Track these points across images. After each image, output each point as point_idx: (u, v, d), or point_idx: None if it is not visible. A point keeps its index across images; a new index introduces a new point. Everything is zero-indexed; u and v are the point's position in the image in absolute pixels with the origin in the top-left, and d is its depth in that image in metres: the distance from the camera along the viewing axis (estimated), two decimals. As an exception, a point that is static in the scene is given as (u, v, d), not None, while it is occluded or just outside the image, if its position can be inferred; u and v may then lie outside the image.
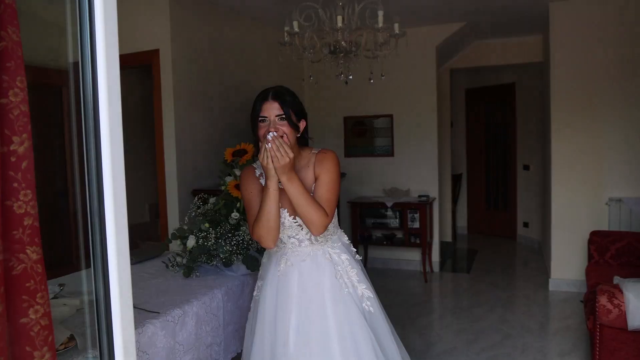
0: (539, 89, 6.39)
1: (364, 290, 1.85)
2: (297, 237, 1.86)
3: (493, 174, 7.43)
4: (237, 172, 2.62)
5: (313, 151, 1.89)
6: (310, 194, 1.79)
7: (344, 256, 1.88)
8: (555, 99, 4.70)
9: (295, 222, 1.84)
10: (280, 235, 1.85)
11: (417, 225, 5.23)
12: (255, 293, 2.00)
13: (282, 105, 1.73)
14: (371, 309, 1.84)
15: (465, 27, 5.28)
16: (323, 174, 1.81)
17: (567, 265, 4.78)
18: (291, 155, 1.66)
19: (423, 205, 5.20)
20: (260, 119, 1.75)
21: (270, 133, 1.67)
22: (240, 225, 2.52)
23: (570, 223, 4.72)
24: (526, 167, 6.85)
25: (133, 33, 3.95)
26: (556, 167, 4.74)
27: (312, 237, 1.86)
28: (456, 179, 7.04)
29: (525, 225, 6.90)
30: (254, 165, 1.94)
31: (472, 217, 7.64)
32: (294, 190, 1.71)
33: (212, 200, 2.66)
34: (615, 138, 4.55)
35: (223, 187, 2.63)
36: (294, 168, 1.72)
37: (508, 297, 4.67)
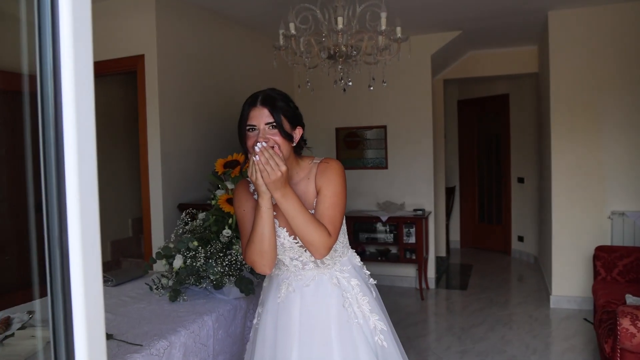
0: (534, 100, 6.29)
1: (377, 321, 1.62)
2: (300, 259, 1.64)
3: (486, 187, 7.30)
4: (229, 185, 2.40)
5: (314, 161, 1.66)
6: (312, 210, 1.58)
7: (354, 281, 1.65)
8: (554, 111, 4.57)
9: (296, 243, 1.61)
10: (281, 256, 1.63)
11: (412, 240, 5.04)
12: (254, 321, 1.77)
13: (273, 112, 1.50)
14: (384, 343, 1.61)
15: (460, 36, 5.15)
16: (325, 187, 1.58)
17: (568, 281, 4.62)
18: (283, 168, 1.44)
19: (419, 220, 5.01)
20: (248, 127, 1.52)
21: (258, 144, 1.46)
22: (232, 243, 2.29)
23: (571, 238, 4.57)
24: (521, 180, 6.72)
25: (117, 38, 3.73)
26: (556, 181, 4.59)
27: (318, 261, 1.64)
28: (449, 192, 6.89)
29: (520, 239, 6.76)
30: (248, 179, 1.73)
31: (465, 231, 7.49)
32: (290, 208, 1.48)
33: (201, 215, 2.43)
34: (617, 150, 4.43)
35: (213, 202, 2.41)
36: (289, 182, 1.52)
37: (508, 315, 4.48)
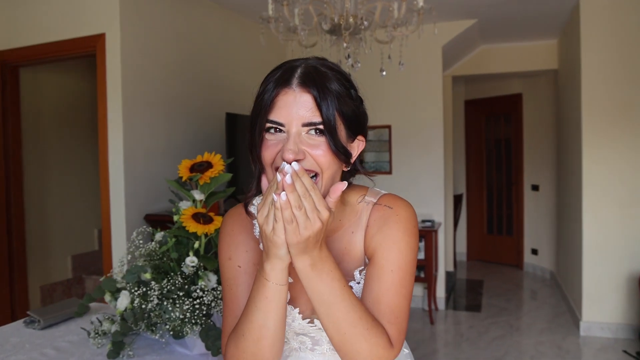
0: (551, 100, 5.71)
1: None
2: (311, 334, 0.99)
3: (495, 195, 6.70)
4: (197, 195, 1.77)
5: (367, 198, 0.98)
6: (352, 282, 0.94)
7: None
8: (586, 113, 3.96)
9: (313, 327, 0.97)
10: None
11: (421, 256, 4.42)
12: None
13: (321, 103, 0.83)
14: None
15: (474, 25, 4.56)
16: (386, 251, 0.91)
17: (601, 306, 4.01)
18: (325, 215, 0.77)
19: (428, 232, 4.40)
20: (269, 126, 0.85)
21: (287, 166, 0.77)
22: (199, 276, 1.65)
23: (605, 258, 3.97)
24: (535, 188, 6.13)
25: (73, 13, 3.09)
26: (587, 192, 3.98)
27: None
28: (456, 201, 6.28)
29: (534, 252, 6.16)
30: (251, 208, 1.00)
31: (472, 242, 6.88)
32: (324, 288, 0.82)
33: (158, 236, 1.79)
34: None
35: (175, 217, 1.77)
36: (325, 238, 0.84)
37: (534, 346, 3.86)
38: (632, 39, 3.83)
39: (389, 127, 4.81)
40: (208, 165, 1.81)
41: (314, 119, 0.83)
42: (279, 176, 0.75)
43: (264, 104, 0.85)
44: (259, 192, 0.91)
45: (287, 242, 0.77)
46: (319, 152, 0.83)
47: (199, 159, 1.86)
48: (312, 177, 0.83)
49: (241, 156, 3.60)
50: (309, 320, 0.96)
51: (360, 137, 0.92)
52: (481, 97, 6.65)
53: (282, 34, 2.21)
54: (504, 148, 6.55)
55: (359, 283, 0.94)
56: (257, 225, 0.98)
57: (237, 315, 0.93)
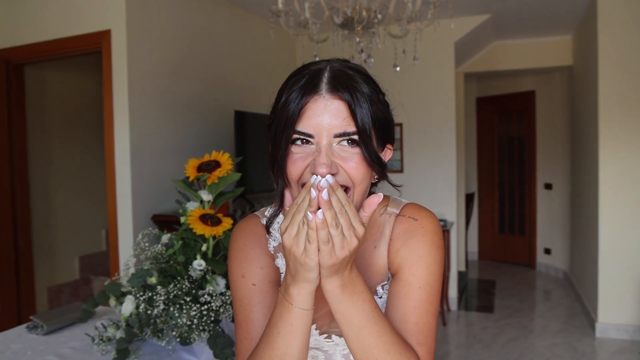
0: (565, 97, 5.59)
1: None
2: (325, 349, 0.91)
3: (508, 194, 6.58)
4: (205, 196, 1.70)
5: (389, 209, 0.90)
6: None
7: None
8: (603, 111, 3.84)
9: (330, 342, 0.89)
10: None
11: (433, 256, 4.32)
12: None
13: (357, 110, 0.75)
14: None
15: (488, 20, 4.46)
16: (412, 266, 0.84)
17: (618, 307, 3.91)
18: (361, 232, 0.69)
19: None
20: (297, 137, 0.76)
21: (322, 180, 0.69)
22: (206, 280, 1.58)
23: (622, 259, 3.86)
24: (548, 186, 6.01)
25: (78, 9, 3.04)
26: (604, 192, 3.87)
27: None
28: (468, 199, 6.17)
29: (547, 252, 6.04)
30: (263, 219, 0.94)
31: (483, 242, 6.78)
32: (355, 312, 0.74)
33: (164, 238, 1.72)
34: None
35: (182, 219, 1.70)
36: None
37: (549, 348, 3.77)
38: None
39: (400, 125, 4.72)
40: (216, 164, 1.75)
41: (348, 128, 0.75)
42: (313, 192, 0.67)
43: (290, 114, 0.75)
44: (281, 210, 0.85)
45: (321, 263, 0.69)
46: (352, 164, 0.75)
47: (206, 158, 1.80)
48: (345, 190, 0.76)
49: (250, 155, 3.53)
50: (326, 335, 0.88)
51: (389, 146, 0.85)
52: (493, 94, 6.54)
53: (293, 29, 2.13)
54: (517, 146, 6.44)
55: (381, 298, 0.87)
56: (271, 240, 0.91)
57: (253, 338, 0.85)
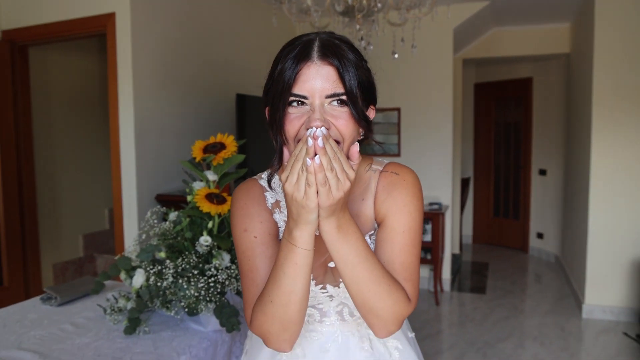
0: (561, 84, 5.66)
1: None
2: (320, 306, 1.04)
3: (503, 179, 6.69)
4: (210, 176, 1.79)
5: (373, 167, 1.02)
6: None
7: (394, 343, 1.05)
8: (597, 99, 3.93)
9: (324, 293, 1.01)
10: None
11: (428, 238, 4.45)
12: None
13: (344, 74, 0.86)
14: None
15: (487, 7, 4.50)
16: (395, 215, 0.95)
17: (604, 290, 4.05)
18: (352, 176, 0.80)
19: (436, 215, 4.42)
20: (293, 99, 0.87)
21: (316, 130, 0.78)
22: (212, 255, 1.69)
23: (610, 243, 3.99)
24: (542, 172, 6.12)
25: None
26: (595, 178, 3.98)
27: (346, 310, 1.04)
28: (464, 184, 6.28)
29: (539, 236, 6.17)
30: (260, 181, 1.05)
31: (478, 225, 6.90)
32: (349, 250, 0.85)
33: (172, 215, 1.82)
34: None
35: (189, 198, 1.79)
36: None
37: (538, 328, 3.91)
38: (646, 22, 3.78)
39: (398, 109, 4.80)
40: (221, 146, 1.83)
41: (337, 90, 0.85)
42: (310, 141, 0.77)
43: (286, 79, 0.86)
44: (280, 166, 0.95)
45: (320, 204, 0.79)
46: (342, 121, 0.86)
47: (212, 140, 1.88)
48: (337, 143, 0.86)
49: (250, 137, 3.61)
50: (321, 286, 0.99)
51: (372, 106, 0.96)
52: (491, 80, 6.60)
53: (295, 15, 2.20)
54: (513, 132, 6.52)
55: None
56: (268, 197, 1.01)
57: (259, 284, 0.94)
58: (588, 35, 4.12)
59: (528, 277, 5.46)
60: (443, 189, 4.75)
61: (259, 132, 3.74)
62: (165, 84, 3.29)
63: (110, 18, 2.97)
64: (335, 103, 0.86)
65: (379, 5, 2.06)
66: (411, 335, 1.15)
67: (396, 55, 2.37)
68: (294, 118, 0.86)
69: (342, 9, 2.07)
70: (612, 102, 3.90)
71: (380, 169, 1.00)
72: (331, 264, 0.97)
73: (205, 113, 3.66)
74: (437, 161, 4.75)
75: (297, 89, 0.85)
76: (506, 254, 6.30)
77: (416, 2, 2.11)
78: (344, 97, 0.86)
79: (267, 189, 1.02)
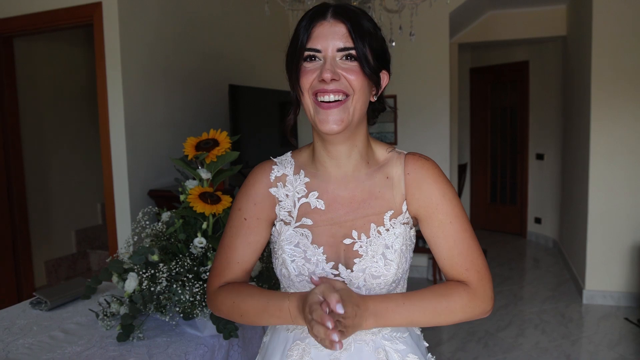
0: (558, 68, 5.58)
1: None
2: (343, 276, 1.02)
3: (500, 164, 6.64)
4: (203, 174, 1.72)
5: (394, 150, 1.04)
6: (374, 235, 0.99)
7: (412, 358, 0.99)
8: (596, 82, 3.87)
9: (336, 273, 0.97)
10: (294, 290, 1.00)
11: (426, 227, 4.39)
12: None
13: (354, 31, 0.90)
14: None
15: (483, -10, 4.41)
16: (439, 205, 0.97)
17: (604, 275, 4.03)
18: (350, 322, 0.90)
19: (434, 204, 4.36)
20: (307, 54, 0.91)
21: (338, 306, 0.85)
22: (208, 258, 1.62)
23: (610, 228, 3.96)
24: (540, 157, 6.07)
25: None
26: (595, 162, 3.94)
27: None
28: (461, 170, 6.22)
29: (537, 221, 6.15)
30: (276, 160, 1.06)
31: (475, 211, 6.87)
32: (398, 320, 0.93)
33: (164, 216, 1.75)
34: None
35: (182, 197, 1.72)
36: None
37: (538, 315, 3.89)
38: (646, 3, 3.70)
39: (394, 96, 4.71)
40: (214, 143, 1.75)
41: (348, 44, 0.90)
42: (329, 324, 0.82)
43: (301, 36, 0.91)
44: (297, 115, 1.02)
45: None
46: (352, 75, 0.90)
47: (204, 136, 1.80)
48: (345, 98, 0.91)
49: (244, 128, 3.52)
50: (332, 264, 0.96)
51: (384, 72, 0.98)
52: (487, 64, 6.51)
53: (288, 3, 2.11)
54: (509, 116, 6.46)
55: (388, 230, 0.97)
56: (275, 170, 1.04)
57: (229, 261, 1.03)
58: (586, 18, 4.04)
59: (527, 262, 5.44)
60: (441, 177, 4.69)
61: (253, 123, 3.66)
62: (156, 75, 3.19)
63: (96, 8, 2.87)
64: (346, 58, 0.91)
65: (375, -9, 1.98)
66: (418, 333, 1.10)
67: (393, 44, 2.29)
68: (309, 71, 0.91)
69: (337, -5, 1.98)
70: (611, 85, 3.84)
71: (403, 154, 1.02)
72: (346, 241, 0.96)
73: (197, 104, 3.57)
74: (434, 148, 4.68)
75: (311, 44, 0.91)
76: (504, 239, 6.29)
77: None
78: (353, 52, 0.90)
79: (277, 163, 1.05)
